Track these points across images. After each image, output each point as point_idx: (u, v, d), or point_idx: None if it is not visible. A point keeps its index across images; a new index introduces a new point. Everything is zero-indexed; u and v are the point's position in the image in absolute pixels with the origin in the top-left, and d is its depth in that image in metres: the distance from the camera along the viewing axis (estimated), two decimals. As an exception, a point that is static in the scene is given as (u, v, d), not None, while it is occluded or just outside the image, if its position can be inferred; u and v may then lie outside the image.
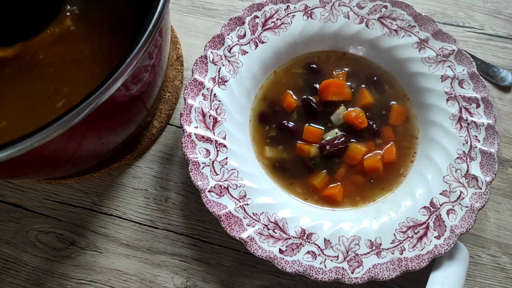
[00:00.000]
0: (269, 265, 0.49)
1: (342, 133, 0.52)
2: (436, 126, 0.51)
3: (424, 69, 0.52)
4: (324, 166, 0.51)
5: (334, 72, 0.55)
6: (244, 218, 0.46)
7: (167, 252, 0.50)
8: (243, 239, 0.45)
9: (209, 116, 0.49)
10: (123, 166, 0.54)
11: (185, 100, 0.49)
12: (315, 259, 0.45)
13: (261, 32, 0.53)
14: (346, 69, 0.55)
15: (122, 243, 0.51)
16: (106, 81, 0.33)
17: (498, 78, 0.58)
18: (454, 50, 0.52)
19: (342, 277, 0.44)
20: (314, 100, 0.53)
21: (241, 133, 0.51)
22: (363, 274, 0.44)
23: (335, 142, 0.51)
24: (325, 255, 0.45)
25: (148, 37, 0.35)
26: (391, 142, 0.52)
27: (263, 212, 0.47)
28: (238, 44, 0.52)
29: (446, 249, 0.44)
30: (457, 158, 0.48)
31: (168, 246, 0.51)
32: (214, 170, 0.47)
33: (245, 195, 0.47)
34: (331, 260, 0.45)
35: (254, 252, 0.44)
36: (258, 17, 0.53)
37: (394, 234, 0.46)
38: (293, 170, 0.51)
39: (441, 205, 0.47)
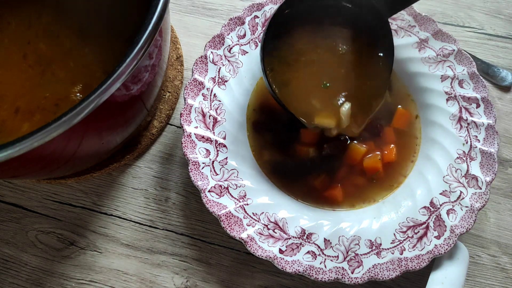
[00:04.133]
0: (269, 265, 0.49)
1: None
2: (436, 126, 0.51)
3: (424, 69, 0.52)
4: (324, 166, 0.51)
5: (334, 72, 0.55)
6: (244, 218, 0.46)
7: (167, 252, 0.50)
8: (243, 239, 0.45)
9: (209, 116, 0.49)
10: (123, 166, 0.54)
11: (185, 100, 0.49)
12: (315, 259, 0.45)
13: (261, 32, 0.53)
14: (346, 69, 0.55)
15: (122, 243, 0.51)
16: (106, 81, 0.33)
17: (498, 78, 0.58)
18: (454, 50, 0.52)
19: (342, 277, 0.44)
20: (314, 100, 0.53)
21: (241, 133, 0.51)
22: (363, 274, 0.44)
23: (335, 142, 0.51)
24: (325, 255, 0.45)
25: (148, 37, 0.35)
26: (392, 143, 0.52)
27: (263, 212, 0.47)
28: (238, 44, 0.52)
29: (446, 249, 0.44)
30: (457, 158, 0.48)
31: (168, 246, 0.51)
32: (214, 170, 0.47)
33: (245, 195, 0.47)
34: (331, 260, 0.45)
35: (254, 252, 0.44)
36: (258, 17, 0.53)
37: (394, 234, 0.46)
38: (292, 171, 0.51)
39: (441, 205, 0.47)
